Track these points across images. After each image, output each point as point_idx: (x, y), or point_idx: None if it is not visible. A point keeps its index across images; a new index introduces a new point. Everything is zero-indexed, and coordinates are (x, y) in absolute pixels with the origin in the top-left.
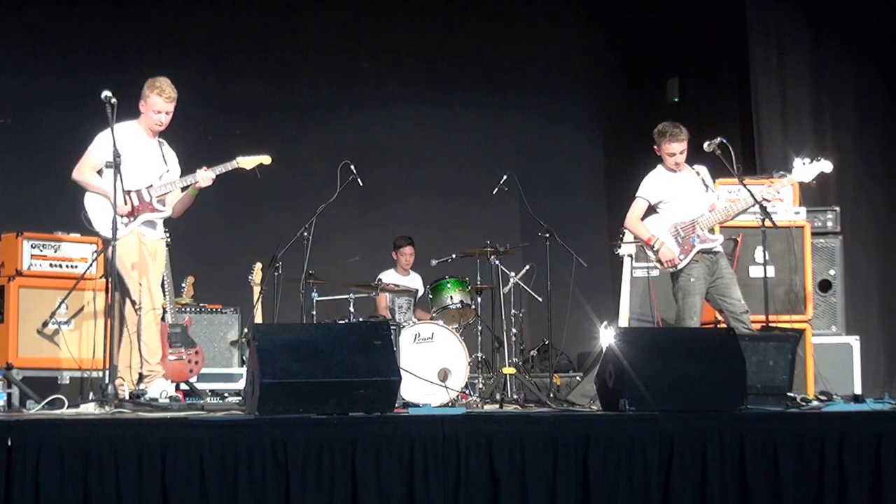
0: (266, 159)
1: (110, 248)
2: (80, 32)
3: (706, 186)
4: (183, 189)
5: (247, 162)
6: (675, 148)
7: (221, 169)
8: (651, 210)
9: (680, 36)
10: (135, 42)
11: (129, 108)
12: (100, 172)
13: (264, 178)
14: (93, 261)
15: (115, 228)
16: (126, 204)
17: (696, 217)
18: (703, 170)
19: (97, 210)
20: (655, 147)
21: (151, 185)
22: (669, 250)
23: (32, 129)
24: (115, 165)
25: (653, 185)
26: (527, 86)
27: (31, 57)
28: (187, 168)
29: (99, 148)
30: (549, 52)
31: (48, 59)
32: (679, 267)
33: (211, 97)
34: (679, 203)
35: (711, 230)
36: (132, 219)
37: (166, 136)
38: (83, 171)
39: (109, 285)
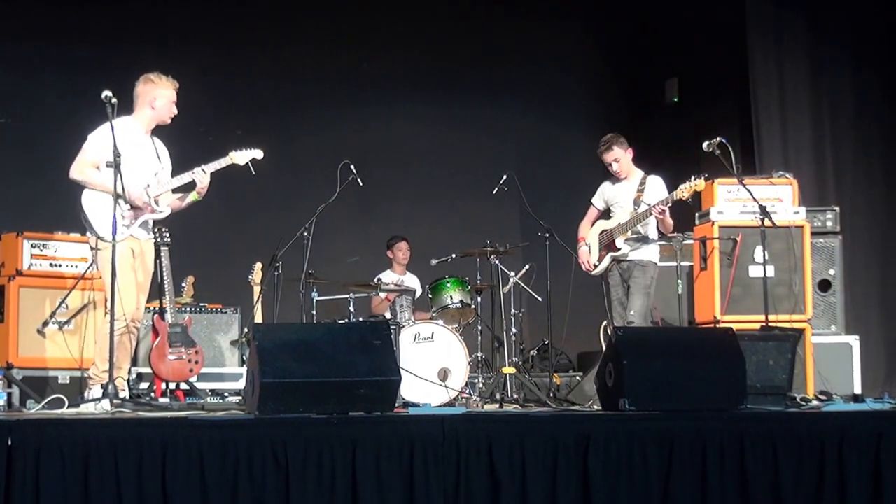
0: (258, 153)
1: (107, 249)
2: (80, 31)
3: (636, 197)
4: (174, 191)
5: (240, 156)
6: (604, 159)
7: (216, 165)
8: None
9: (680, 36)
10: (135, 41)
11: (130, 108)
12: (97, 169)
13: (264, 178)
14: (92, 261)
15: (115, 228)
16: (127, 206)
17: (614, 226)
18: (652, 180)
19: (97, 211)
20: None
21: (149, 185)
22: (583, 253)
23: (32, 128)
24: (116, 165)
25: (598, 191)
26: (526, 85)
27: (30, 56)
28: (184, 168)
29: (93, 146)
30: (549, 51)
31: (48, 58)
32: (596, 273)
33: (211, 97)
34: (615, 210)
35: (637, 239)
36: (133, 220)
37: (165, 135)
38: (81, 170)
39: (111, 285)
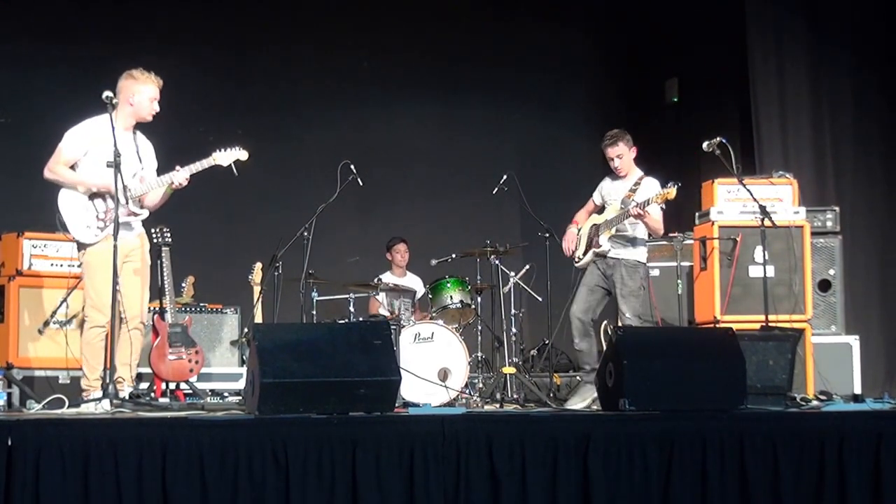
0: (243, 154)
1: (87, 253)
2: (80, 32)
3: (626, 196)
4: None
5: (223, 157)
6: (607, 153)
7: (198, 166)
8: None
9: (680, 36)
10: (135, 41)
11: None
12: (73, 168)
13: (264, 178)
14: None
15: (116, 226)
16: (103, 207)
17: (601, 222)
18: (647, 182)
19: (72, 213)
20: None
21: (127, 187)
22: (570, 234)
23: (33, 128)
24: (116, 165)
25: (598, 186)
26: (526, 85)
27: (30, 55)
28: (181, 167)
29: (69, 145)
30: (549, 51)
31: (48, 58)
32: (580, 265)
33: (211, 97)
34: (607, 207)
35: (622, 240)
36: (107, 223)
37: (165, 134)
38: (54, 169)
39: (113, 284)
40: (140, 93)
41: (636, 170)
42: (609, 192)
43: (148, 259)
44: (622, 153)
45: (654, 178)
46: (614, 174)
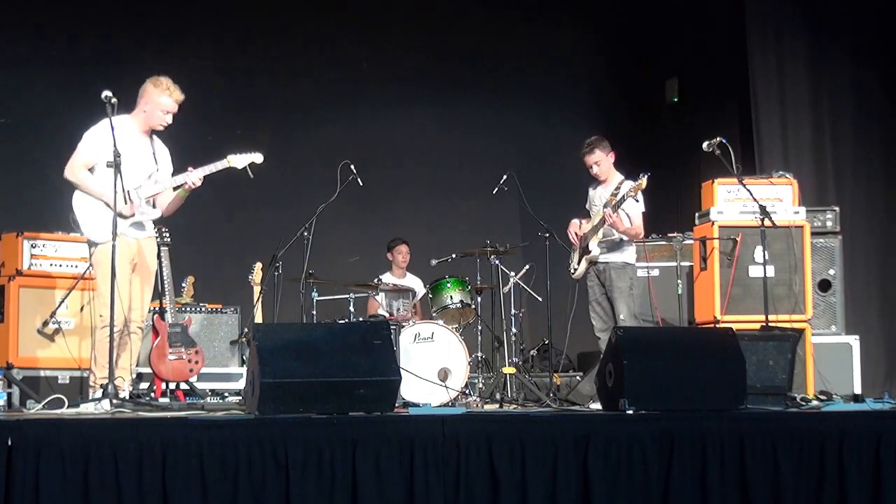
0: (258, 157)
1: (96, 251)
2: (80, 32)
3: (609, 201)
4: (175, 188)
5: (238, 160)
6: (586, 161)
7: (212, 168)
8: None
9: (680, 36)
10: (135, 41)
11: (130, 108)
12: (91, 170)
13: (264, 178)
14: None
15: (115, 228)
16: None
17: (588, 230)
18: (627, 186)
19: (85, 211)
20: None
21: (140, 186)
22: (570, 231)
23: (33, 128)
24: (116, 165)
25: (588, 194)
26: (526, 85)
27: (30, 55)
28: (182, 168)
29: (88, 146)
30: (549, 51)
31: (48, 58)
32: (576, 277)
33: (211, 97)
34: (592, 213)
35: (609, 243)
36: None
37: (166, 133)
38: (75, 170)
39: (111, 285)
40: (154, 102)
41: (616, 174)
42: (593, 198)
43: (153, 263)
44: (599, 160)
45: (632, 182)
46: (596, 181)
